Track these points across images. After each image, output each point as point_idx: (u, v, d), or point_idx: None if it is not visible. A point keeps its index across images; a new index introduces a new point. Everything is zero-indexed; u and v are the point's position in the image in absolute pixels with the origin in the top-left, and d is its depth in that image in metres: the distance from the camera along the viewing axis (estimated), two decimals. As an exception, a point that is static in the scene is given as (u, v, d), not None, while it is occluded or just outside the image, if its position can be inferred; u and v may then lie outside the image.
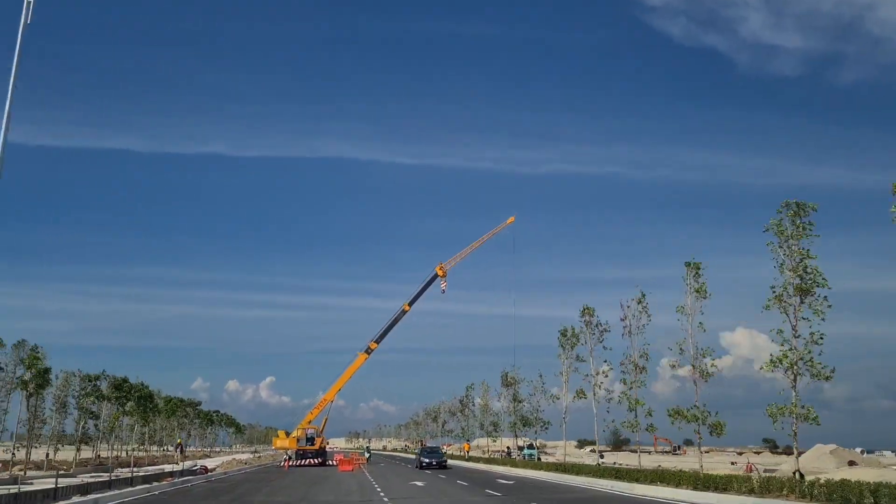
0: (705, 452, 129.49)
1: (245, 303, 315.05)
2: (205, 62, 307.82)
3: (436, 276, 67.70)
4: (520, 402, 50.15)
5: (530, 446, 62.98)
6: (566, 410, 37.80)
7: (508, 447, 70.84)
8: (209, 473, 44.22)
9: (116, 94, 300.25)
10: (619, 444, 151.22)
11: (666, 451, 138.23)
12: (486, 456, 66.01)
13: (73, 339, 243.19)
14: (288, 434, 64.70)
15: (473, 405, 68.50)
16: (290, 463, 61.08)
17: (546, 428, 44.71)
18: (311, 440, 63.44)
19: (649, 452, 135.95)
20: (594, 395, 33.09)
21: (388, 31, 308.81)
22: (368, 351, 65.88)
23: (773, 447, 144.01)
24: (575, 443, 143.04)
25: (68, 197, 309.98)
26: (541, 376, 45.71)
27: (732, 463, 70.02)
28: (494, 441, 68.21)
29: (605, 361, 34.09)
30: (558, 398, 39.53)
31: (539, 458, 59.10)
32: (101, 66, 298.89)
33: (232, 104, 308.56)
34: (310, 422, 64.72)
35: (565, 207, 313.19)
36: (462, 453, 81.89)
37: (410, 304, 67.18)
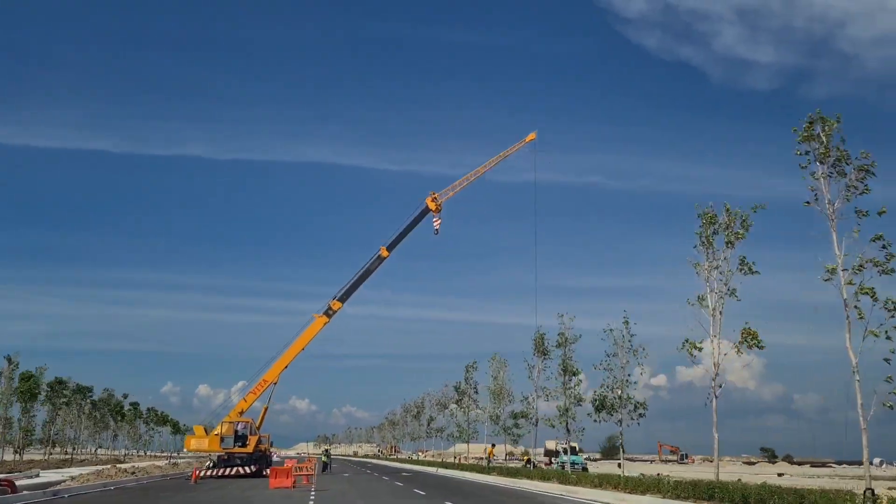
0: (705, 461, 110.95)
1: (219, 307, 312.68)
2: (185, 63, 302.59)
3: (426, 210, 48.18)
4: (574, 374, 30.95)
5: (574, 450, 43.44)
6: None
7: (528, 457, 49.34)
8: (23, 493, 23.91)
9: (93, 94, 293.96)
10: (612, 451, 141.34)
11: (670, 460, 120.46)
12: (511, 464, 45.71)
13: (45, 342, 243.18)
14: (208, 430, 44.45)
15: (475, 392, 48.47)
16: (207, 473, 41.14)
17: (642, 414, 25.93)
18: (241, 439, 43.50)
19: (650, 461, 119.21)
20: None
21: (372, 37, 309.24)
22: (329, 312, 46.15)
23: (771, 456, 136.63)
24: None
25: (42, 198, 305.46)
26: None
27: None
28: (517, 443, 49.26)
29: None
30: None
31: (586, 468, 40.38)
32: (78, 66, 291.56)
33: (212, 106, 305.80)
34: (241, 413, 44.61)
35: (545, 215, 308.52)
36: (456, 461, 63.08)
37: (390, 248, 47.59)
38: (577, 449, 44.23)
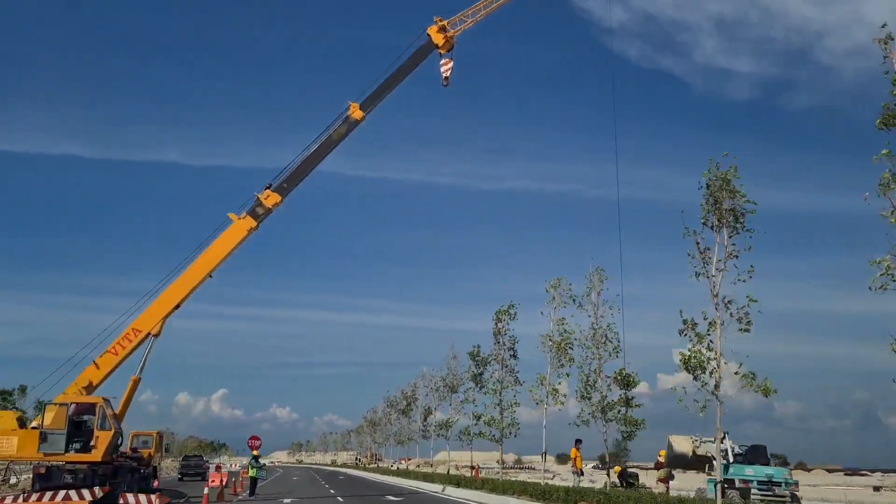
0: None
1: (194, 313, 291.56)
2: (160, 66, 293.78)
3: (430, 46, 28.36)
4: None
5: (760, 456, 21.87)
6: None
7: (620, 469, 25.58)
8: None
9: (63, 97, 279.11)
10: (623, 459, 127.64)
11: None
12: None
13: (18, 349, 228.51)
14: (24, 420, 24.01)
15: (512, 356, 26.77)
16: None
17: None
18: (80, 435, 23.07)
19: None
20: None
21: (348, 41, 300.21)
22: (258, 212, 26.10)
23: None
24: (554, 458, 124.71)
25: (12, 202, 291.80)
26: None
27: None
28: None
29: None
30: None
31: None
32: (48, 68, 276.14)
33: (187, 111, 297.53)
34: (89, 387, 24.13)
35: (525, 223, 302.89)
36: (446, 471, 43.16)
37: (364, 106, 27.63)
38: (767, 455, 22.47)
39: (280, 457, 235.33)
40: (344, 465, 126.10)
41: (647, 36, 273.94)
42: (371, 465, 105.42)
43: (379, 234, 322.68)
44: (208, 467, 50.79)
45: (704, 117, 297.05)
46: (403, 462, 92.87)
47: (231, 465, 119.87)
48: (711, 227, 15.25)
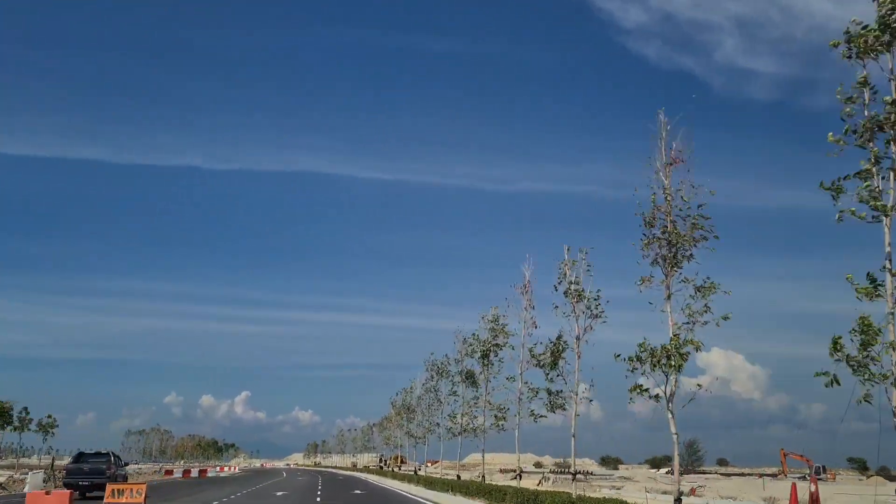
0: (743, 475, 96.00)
1: (219, 317, 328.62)
2: (180, 73, 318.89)
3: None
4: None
5: None
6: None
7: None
8: None
9: (87, 103, 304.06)
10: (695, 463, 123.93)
11: (799, 476, 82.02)
12: None
13: (41, 351, 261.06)
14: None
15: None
16: None
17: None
18: None
19: (773, 475, 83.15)
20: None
21: (362, 46, 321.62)
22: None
23: (862, 468, 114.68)
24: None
25: (38, 207, 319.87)
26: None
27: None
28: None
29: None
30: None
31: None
32: (74, 76, 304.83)
33: (207, 117, 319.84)
34: None
35: (537, 225, 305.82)
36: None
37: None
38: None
39: (297, 459, 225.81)
40: (365, 469, 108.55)
41: (667, 36, 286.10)
42: (391, 470, 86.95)
43: (398, 236, 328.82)
44: (122, 474, 33.01)
45: (725, 118, 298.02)
46: (429, 465, 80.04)
47: (232, 468, 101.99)
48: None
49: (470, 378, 34.09)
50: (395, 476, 65.73)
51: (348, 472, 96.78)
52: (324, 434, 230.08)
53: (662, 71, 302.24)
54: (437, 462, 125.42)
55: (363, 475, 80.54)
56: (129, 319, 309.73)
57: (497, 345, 28.56)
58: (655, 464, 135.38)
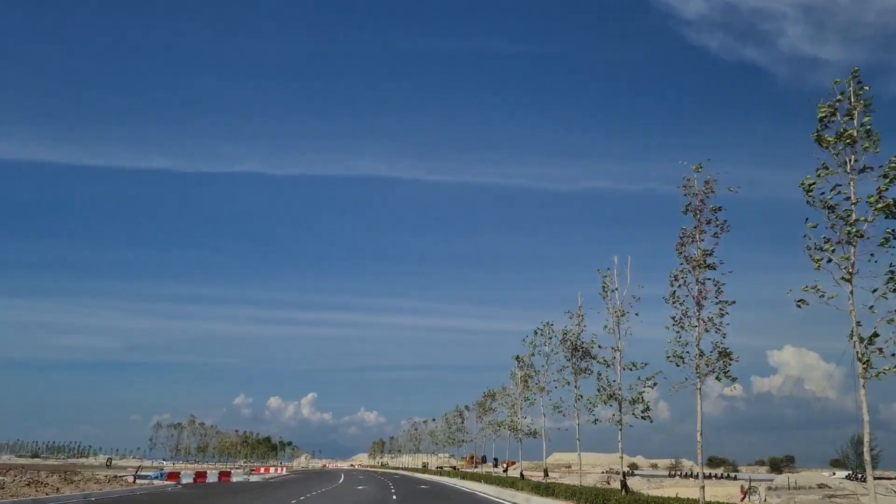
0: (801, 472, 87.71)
1: (286, 320, 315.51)
2: (241, 83, 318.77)
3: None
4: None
5: None
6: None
7: None
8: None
9: (154, 115, 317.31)
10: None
11: None
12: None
13: (117, 355, 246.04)
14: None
15: None
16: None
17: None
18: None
19: None
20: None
21: (423, 51, 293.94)
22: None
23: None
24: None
25: (111, 216, 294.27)
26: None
27: None
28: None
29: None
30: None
31: None
32: (140, 89, 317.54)
33: (268, 123, 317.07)
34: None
35: (602, 223, 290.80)
36: None
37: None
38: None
39: (361, 459, 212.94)
40: (439, 471, 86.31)
41: (729, 26, 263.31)
42: (470, 471, 68.62)
43: (459, 239, 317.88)
44: None
45: (790, 108, 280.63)
46: (506, 465, 72.72)
47: (279, 469, 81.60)
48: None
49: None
50: (476, 478, 48.14)
51: (425, 476, 73.70)
52: (388, 433, 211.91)
53: (725, 62, 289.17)
54: (514, 463, 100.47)
55: (440, 480, 57.00)
56: (200, 324, 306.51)
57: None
58: (774, 465, 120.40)
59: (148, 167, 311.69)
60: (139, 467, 55.82)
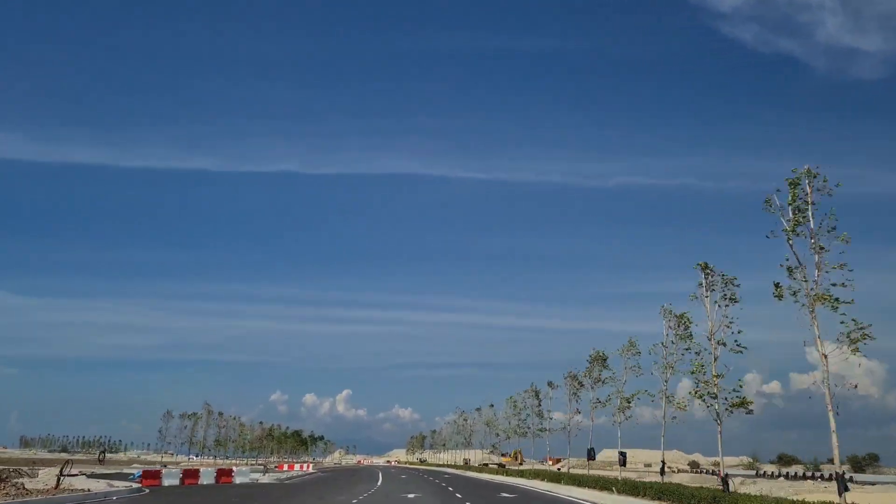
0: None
1: (321, 317, 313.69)
2: (275, 82, 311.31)
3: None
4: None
5: None
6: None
7: None
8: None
9: (193, 116, 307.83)
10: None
11: None
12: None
13: (159, 353, 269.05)
14: None
15: None
16: None
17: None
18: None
19: None
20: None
21: (455, 47, 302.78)
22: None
23: None
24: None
25: (151, 216, 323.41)
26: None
27: None
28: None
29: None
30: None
31: None
32: (177, 90, 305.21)
33: (303, 123, 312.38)
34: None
35: (636, 220, 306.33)
36: None
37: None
38: None
39: (398, 455, 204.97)
40: (482, 468, 74.05)
41: (764, 18, 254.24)
42: (514, 467, 68.53)
43: (495, 236, 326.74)
44: None
45: (829, 100, 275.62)
46: (551, 462, 74.02)
47: (304, 467, 69.44)
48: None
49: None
50: (527, 474, 45.65)
51: (482, 476, 59.71)
52: (425, 429, 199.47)
53: (761, 55, 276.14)
54: (559, 459, 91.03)
55: (523, 482, 42.60)
56: (236, 322, 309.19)
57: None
58: (856, 464, 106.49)
59: (186, 167, 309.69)
60: (104, 456, 42.05)
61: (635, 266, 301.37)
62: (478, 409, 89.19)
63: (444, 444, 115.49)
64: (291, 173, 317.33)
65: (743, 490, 33.46)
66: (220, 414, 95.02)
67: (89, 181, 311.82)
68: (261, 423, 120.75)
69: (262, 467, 63.22)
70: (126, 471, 50.59)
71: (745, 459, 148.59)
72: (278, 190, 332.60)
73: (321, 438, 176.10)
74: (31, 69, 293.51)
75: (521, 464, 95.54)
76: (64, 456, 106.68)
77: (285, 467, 71.83)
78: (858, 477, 60.46)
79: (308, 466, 73.82)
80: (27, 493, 22.64)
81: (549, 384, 47.31)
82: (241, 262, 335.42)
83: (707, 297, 23.71)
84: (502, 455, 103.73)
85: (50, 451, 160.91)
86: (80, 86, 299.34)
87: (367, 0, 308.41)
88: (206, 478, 40.20)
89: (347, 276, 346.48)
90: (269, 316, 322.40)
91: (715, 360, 22.78)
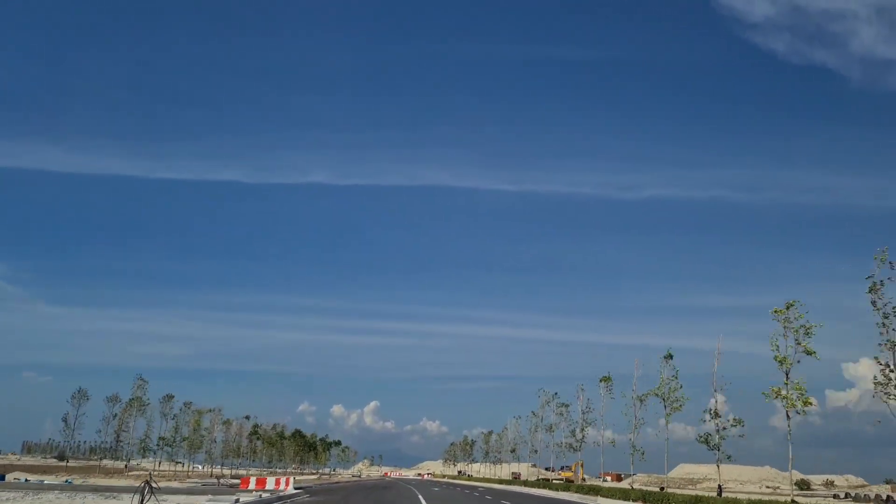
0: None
1: (350, 329, 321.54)
2: (305, 95, 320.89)
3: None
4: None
5: None
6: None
7: None
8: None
9: (223, 128, 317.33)
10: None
11: None
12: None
13: (189, 363, 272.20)
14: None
15: None
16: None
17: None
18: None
19: None
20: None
21: (486, 58, 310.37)
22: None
23: None
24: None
25: (184, 227, 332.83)
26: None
27: None
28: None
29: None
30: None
31: None
32: (211, 103, 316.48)
33: (332, 134, 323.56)
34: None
35: (669, 232, 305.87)
36: None
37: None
38: None
39: (433, 467, 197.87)
40: (543, 484, 59.67)
41: (797, 29, 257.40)
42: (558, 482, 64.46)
43: (524, 247, 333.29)
44: None
45: (864, 111, 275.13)
46: (610, 478, 72.26)
47: (279, 482, 54.52)
48: None
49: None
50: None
51: (561, 495, 45.20)
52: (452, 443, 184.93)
53: (793, 66, 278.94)
54: (619, 475, 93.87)
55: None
56: (265, 332, 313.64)
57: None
58: None
59: (217, 179, 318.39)
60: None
61: (668, 277, 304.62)
62: (535, 413, 74.61)
63: (499, 456, 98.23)
64: (321, 185, 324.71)
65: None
66: (170, 396, 78.12)
67: (122, 193, 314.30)
68: (246, 416, 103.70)
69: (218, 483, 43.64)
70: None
71: (827, 479, 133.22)
72: (308, 201, 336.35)
73: (337, 444, 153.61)
74: (66, 80, 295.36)
75: (583, 479, 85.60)
76: (59, 463, 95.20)
77: (252, 483, 46.16)
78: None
79: (286, 483, 45.73)
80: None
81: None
82: (271, 272, 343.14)
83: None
84: (561, 469, 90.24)
85: (43, 458, 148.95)
86: (113, 98, 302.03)
87: (398, 12, 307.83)
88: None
89: (376, 288, 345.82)
90: (297, 327, 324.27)
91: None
